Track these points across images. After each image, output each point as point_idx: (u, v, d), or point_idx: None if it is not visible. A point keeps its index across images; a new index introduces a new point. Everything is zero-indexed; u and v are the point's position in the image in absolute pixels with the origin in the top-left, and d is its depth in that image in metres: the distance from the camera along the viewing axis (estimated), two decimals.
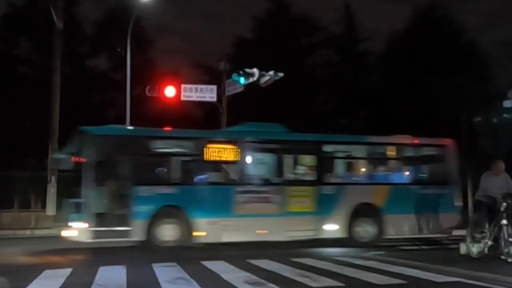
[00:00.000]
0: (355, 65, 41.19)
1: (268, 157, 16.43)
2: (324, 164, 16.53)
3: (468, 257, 11.51)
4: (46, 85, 24.89)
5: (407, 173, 17.51)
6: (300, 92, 38.46)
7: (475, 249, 11.54)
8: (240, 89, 23.49)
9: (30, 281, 8.87)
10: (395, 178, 17.22)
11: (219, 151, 15.58)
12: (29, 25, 35.09)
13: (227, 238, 14.93)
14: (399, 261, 11.33)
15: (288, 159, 16.55)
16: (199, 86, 25.03)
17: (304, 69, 41.52)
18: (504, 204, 11.16)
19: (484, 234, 11.46)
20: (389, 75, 39.74)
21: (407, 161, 17.71)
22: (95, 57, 39.71)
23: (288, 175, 16.26)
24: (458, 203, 17.32)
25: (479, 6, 60.80)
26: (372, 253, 13.01)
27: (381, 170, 17.50)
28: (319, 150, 16.42)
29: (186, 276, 9.45)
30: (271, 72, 20.97)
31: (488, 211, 11.53)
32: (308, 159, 16.72)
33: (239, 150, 15.61)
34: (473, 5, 68.24)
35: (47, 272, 9.89)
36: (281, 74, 21.18)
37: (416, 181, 17.08)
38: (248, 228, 14.98)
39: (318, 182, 16.06)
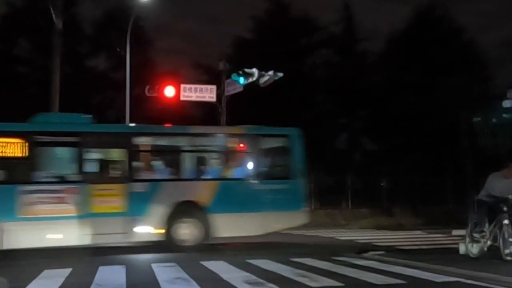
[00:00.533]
0: (354, 65, 41.19)
1: (65, 152, 14.76)
2: (135, 159, 14.86)
3: (467, 257, 11.52)
4: (46, 85, 24.88)
5: (240, 166, 15.64)
6: (299, 92, 38.47)
7: (474, 249, 11.54)
8: (239, 89, 23.48)
9: (29, 281, 8.87)
10: (225, 172, 15.47)
11: (1, 146, 13.87)
12: (28, 25, 35.11)
13: (11, 244, 13.04)
14: (398, 261, 11.33)
15: (91, 153, 14.56)
16: (199, 86, 25.02)
17: (303, 69, 41.53)
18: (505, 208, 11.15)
19: (483, 234, 11.45)
20: (388, 75, 39.80)
21: (241, 154, 16.02)
22: (94, 57, 39.78)
23: (91, 171, 14.24)
24: (304, 198, 15.81)
25: (478, 7, 60.95)
26: (371, 253, 13.00)
27: (207, 164, 15.69)
28: (129, 143, 14.68)
29: (186, 276, 9.45)
30: (271, 72, 20.98)
31: (489, 211, 11.52)
32: (116, 154, 15.07)
33: (27, 144, 13.82)
34: (472, 6, 68.35)
35: (46, 272, 9.89)
36: (280, 74, 21.19)
37: (252, 176, 15.29)
38: (36, 232, 13.15)
39: (128, 179, 14.27)
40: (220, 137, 16.02)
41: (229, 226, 14.58)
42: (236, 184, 15.19)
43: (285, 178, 15.55)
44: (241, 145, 16.06)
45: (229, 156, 15.97)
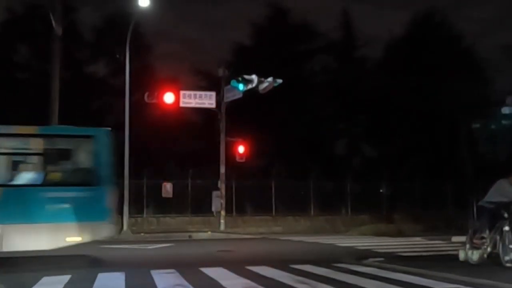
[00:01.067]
0: (354, 71, 41.23)
1: None
2: None
3: (467, 263, 11.49)
4: (45, 91, 24.89)
5: (29, 171, 13.66)
6: (299, 98, 38.50)
7: (474, 255, 11.52)
8: (239, 96, 23.52)
9: (29, 287, 8.85)
10: (9, 177, 13.36)
11: None
12: (28, 31, 35.15)
13: None
14: (397, 267, 11.30)
15: None
16: (198, 93, 25.08)
17: (302, 75, 41.55)
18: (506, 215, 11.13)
19: (484, 240, 11.44)
20: (387, 81, 39.79)
21: (30, 157, 14.02)
22: (94, 63, 39.77)
23: None
24: (110, 208, 13.46)
25: (477, 12, 61.04)
26: (371, 259, 12.98)
27: None
28: None
29: (185, 282, 9.43)
30: (270, 79, 21.01)
31: (490, 217, 11.51)
32: None
33: None
34: (471, 12, 68.49)
35: (45, 279, 9.88)
36: (279, 81, 21.23)
37: (42, 181, 13.23)
38: None
39: None
40: (4, 137, 14.08)
41: (12, 239, 12.41)
42: (19, 191, 13.12)
43: (86, 184, 13.42)
44: (31, 146, 14.27)
45: (15, 159, 13.90)
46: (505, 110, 12.83)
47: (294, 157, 36.96)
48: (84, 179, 13.53)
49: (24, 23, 35.38)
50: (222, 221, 25.40)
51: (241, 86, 21.15)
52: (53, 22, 23.43)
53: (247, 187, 29.32)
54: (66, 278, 9.99)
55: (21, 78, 37.26)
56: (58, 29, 23.63)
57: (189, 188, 28.07)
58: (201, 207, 28.08)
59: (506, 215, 11.16)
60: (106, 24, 38.33)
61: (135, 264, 12.76)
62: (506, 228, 11.07)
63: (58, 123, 23.30)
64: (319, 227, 28.26)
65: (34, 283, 9.31)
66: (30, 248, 12.71)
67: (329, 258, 13.43)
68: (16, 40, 36.29)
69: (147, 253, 15.98)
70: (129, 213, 23.61)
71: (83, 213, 12.91)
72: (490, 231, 11.44)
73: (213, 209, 26.48)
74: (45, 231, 12.69)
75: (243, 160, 26.38)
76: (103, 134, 14.25)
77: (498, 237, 11.15)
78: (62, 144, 14.36)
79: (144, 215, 27.06)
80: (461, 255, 11.92)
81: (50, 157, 13.86)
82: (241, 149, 26.10)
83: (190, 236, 22.87)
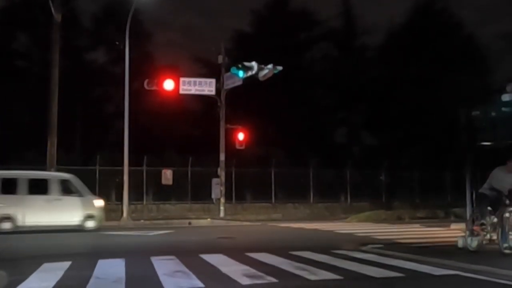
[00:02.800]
0: (354, 59, 41.20)
1: None
2: None
3: (465, 250, 11.53)
4: (45, 79, 24.87)
5: None
6: (298, 86, 38.48)
7: (473, 242, 11.55)
8: (238, 83, 23.49)
9: (29, 274, 8.87)
10: None
11: None
12: (27, 19, 35.05)
13: None
14: (397, 254, 11.34)
15: None
16: (198, 80, 25.05)
17: (303, 63, 41.56)
18: (507, 201, 11.16)
19: (483, 227, 11.48)
20: (388, 69, 39.78)
21: None
22: (93, 51, 39.78)
23: None
24: None
25: (478, 0, 60.73)
26: (370, 246, 13.01)
27: None
28: None
29: (185, 269, 9.46)
30: (270, 66, 20.95)
31: (490, 204, 11.54)
32: None
33: None
34: None
35: (46, 265, 9.89)
36: (279, 68, 21.16)
37: None
38: None
39: None
40: None
41: None
42: None
43: None
44: None
45: None
46: (505, 97, 12.77)
47: (294, 145, 37.00)
48: None
49: (23, 11, 35.28)
50: (221, 208, 25.46)
51: (241, 73, 21.08)
52: (53, 10, 23.35)
53: (247, 175, 29.39)
54: (66, 264, 10.01)
55: (20, 66, 37.25)
56: (57, 17, 23.56)
57: (189, 175, 28.12)
58: (201, 194, 28.15)
59: (507, 201, 11.18)
60: (105, 11, 38.29)
61: (135, 251, 12.80)
62: (507, 214, 11.10)
63: (57, 111, 23.30)
64: (319, 214, 28.34)
65: (35, 270, 9.33)
66: None
67: (328, 245, 13.47)
68: (15, 28, 36.21)
69: (147, 240, 16.02)
70: (129, 200, 23.65)
71: None
72: (490, 218, 11.48)
73: (213, 196, 26.52)
74: None
75: (243, 147, 26.39)
76: None
77: (498, 224, 11.18)
78: None
79: (144, 202, 27.13)
80: (460, 242, 11.96)
81: None
82: (241, 136, 26.10)
83: (190, 223, 22.93)
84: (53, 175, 19.83)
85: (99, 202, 19.53)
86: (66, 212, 18.60)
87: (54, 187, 18.83)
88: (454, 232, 15.39)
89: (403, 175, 31.46)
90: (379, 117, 40.10)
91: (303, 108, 38.73)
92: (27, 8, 35.26)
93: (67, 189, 19.09)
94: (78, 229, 18.39)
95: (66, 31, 27.47)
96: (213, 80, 24.69)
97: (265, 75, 21.08)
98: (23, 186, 18.37)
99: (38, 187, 18.64)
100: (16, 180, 18.49)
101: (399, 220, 24.09)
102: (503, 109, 12.90)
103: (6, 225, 17.76)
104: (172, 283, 8.15)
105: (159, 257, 10.93)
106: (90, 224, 18.78)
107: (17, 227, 17.80)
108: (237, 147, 26.33)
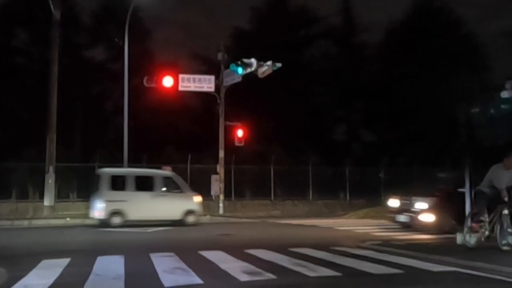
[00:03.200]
0: (353, 57, 41.20)
1: None
2: None
3: (464, 247, 11.56)
4: (44, 76, 24.86)
5: None
6: (298, 84, 38.49)
7: (472, 239, 11.58)
8: (238, 80, 23.47)
9: (28, 271, 8.89)
10: None
11: None
12: (26, 16, 35.00)
13: None
14: (395, 251, 11.38)
15: None
16: (197, 76, 25.02)
17: (302, 60, 41.56)
18: (506, 198, 11.18)
19: (482, 224, 11.50)
20: (387, 66, 39.79)
21: None
22: (93, 48, 39.76)
23: None
24: None
25: None
26: (369, 243, 13.04)
27: None
28: None
29: (184, 266, 9.48)
30: (269, 62, 20.94)
31: (489, 201, 11.56)
32: None
33: None
34: None
35: (45, 262, 9.91)
36: (279, 65, 21.15)
37: None
38: None
39: None
40: None
41: None
42: None
43: None
44: None
45: None
46: (505, 94, 12.79)
47: (293, 142, 37.02)
48: None
49: (22, 8, 35.23)
50: (221, 205, 25.44)
51: (240, 70, 21.06)
52: (52, 7, 23.32)
53: (246, 172, 29.40)
54: (65, 261, 10.02)
55: (20, 63, 37.22)
56: (56, 14, 23.53)
57: (188, 172, 28.08)
58: (200, 191, 28.03)
59: (506, 198, 11.21)
60: (104, 9, 38.27)
61: (134, 248, 12.81)
62: (505, 211, 11.13)
63: (57, 108, 23.29)
64: (318, 211, 28.33)
65: (34, 267, 9.34)
66: None
67: (327, 242, 13.50)
68: (14, 25, 36.17)
69: (146, 236, 16.03)
70: None
71: None
72: (488, 214, 11.50)
73: (212, 193, 26.48)
74: None
75: (242, 144, 26.37)
76: None
77: (496, 221, 11.21)
78: None
79: None
80: (459, 239, 11.99)
81: None
82: (240, 133, 26.08)
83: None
84: (158, 172, 20.81)
85: (198, 198, 20.62)
86: (169, 207, 19.68)
87: (158, 184, 19.99)
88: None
89: (402, 171, 31.41)
90: (378, 115, 40.12)
91: (303, 105, 38.75)
92: (27, 5, 35.20)
93: (170, 186, 20.25)
94: (179, 224, 19.40)
95: (66, 28, 27.48)
96: (212, 77, 24.66)
97: (264, 72, 21.06)
98: (131, 183, 19.52)
99: (144, 184, 19.81)
100: (125, 177, 19.69)
101: None
102: (502, 106, 12.92)
103: (116, 220, 18.75)
104: (171, 279, 8.17)
105: (158, 254, 10.95)
106: (191, 219, 19.94)
107: (126, 221, 18.75)
108: (237, 144, 26.30)
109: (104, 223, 18.59)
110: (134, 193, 19.38)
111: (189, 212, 19.94)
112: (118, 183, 19.44)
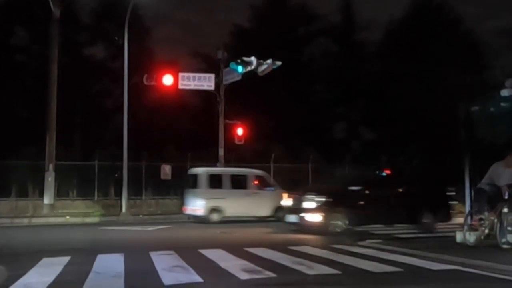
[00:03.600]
0: (353, 55, 41.14)
1: None
2: None
3: (464, 245, 11.57)
4: (44, 74, 24.83)
5: None
6: (298, 82, 38.45)
7: (471, 237, 11.59)
8: (238, 78, 23.45)
9: (28, 269, 8.90)
10: None
11: None
12: (26, 14, 34.94)
13: None
14: (395, 249, 11.39)
15: None
16: (197, 75, 24.99)
17: (302, 58, 41.50)
18: (507, 193, 11.19)
19: (482, 222, 11.51)
20: (387, 64, 39.72)
21: None
22: (92, 46, 39.62)
23: None
24: None
25: None
26: (369, 241, 13.06)
27: None
28: None
29: (184, 264, 9.49)
30: (269, 61, 20.93)
31: (489, 199, 11.57)
32: None
33: None
34: None
35: (45, 260, 9.92)
36: (278, 63, 21.15)
37: None
38: None
39: None
40: None
41: None
42: None
43: None
44: None
45: None
46: (505, 92, 12.81)
47: (293, 140, 36.99)
48: None
49: (22, 6, 35.15)
50: None
51: (240, 68, 21.04)
52: (51, 5, 23.31)
53: None
54: (65, 259, 10.03)
55: (19, 61, 37.12)
56: (56, 12, 23.51)
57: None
58: None
59: (506, 196, 11.21)
60: (104, 7, 38.13)
61: (134, 246, 12.83)
62: (505, 210, 11.13)
63: (56, 107, 23.28)
64: None
65: (34, 265, 9.36)
66: None
67: (327, 240, 13.52)
68: (14, 23, 36.08)
69: (146, 235, 16.05)
70: (128, 195, 23.64)
71: None
72: (488, 212, 11.51)
73: None
74: None
75: (242, 143, 26.38)
76: None
77: (496, 219, 11.21)
78: None
79: (143, 197, 27.09)
80: (458, 237, 12.00)
81: None
82: (240, 131, 26.09)
83: (189, 218, 22.93)
84: (251, 171, 22.27)
85: (287, 195, 21.21)
86: (261, 204, 21.25)
87: (252, 182, 21.65)
88: (452, 227, 15.40)
89: (402, 169, 31.39)
90: (378, 113, 40.06)
91: (302, 103, 38.70)
92: (26, 3, 35.08)
93: (262, 184, 21.90)
94: (270, 220, 20.82)
95: (65, 26, 27.40)
96: (212, 75, 24.64)
97: (264, 70, 21.05)
98: (227, 182, 21.15)
99: (239, 182, 21.38)
100: (221, 176, 21.30)
101: None
102: (502, 104, 12.94)
103: (215, 216, 20.33)
104: (171, 278, 8.18)
105: (158, 252, 10.96)
106: (281, 215, 20.33)
107: (223, 217, 20.33)
108: (236, 142, 26.31)
109: (203, 219, 20.13)
110: (230, 191, 20.92)
111: (279, 208, 20.69)
112: (215, 182, 20.92)
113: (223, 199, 20.54)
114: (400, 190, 17.44)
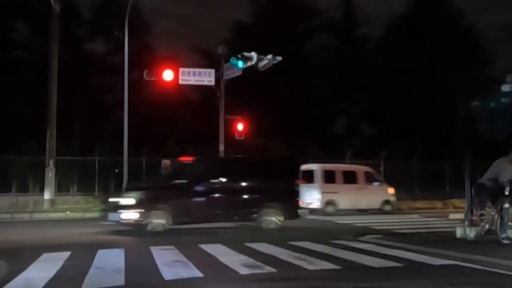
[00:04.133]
0: (353, 50, 41.10)
1: None
2: None
3: (464, 240, 11.57)
4: (44, 69, 24.82)
5: None
6: (298, 77, 38.42)
7: (471, 232, 11.59)
8: (238, 73, 23.40)
9: (28, 264, 8.91)
10: None
11: None
12: (26, 9, 34.91)
13: None
14: (395, 244, 11.39)
15: None
16: (197, 70, 24.93)
17: (302, 53, 41.47)
18: (508, 188, 11.19)
19: (483, 217, 11.51)
20: (387, 60, 39.70)
21: None
22: (92, 41, 39.61)
23: None
24: None
25: None
26: (369, 236, 13.06)
27: None
28: None
29: (184, 259, 9.49)
30: (269, 56, 20.90)
31: (490, 195, 11.56)
32: None
33: None
34: None
35: (45, 255, 9.93)
36: (279, 58, 21.12)
37: None
38: None
39: None
40: None
41: None
42: None
43: None
44: None
45: None
46: (505, 88, 12.78)
47: (293, 135, 36.99)
48: None
49: (22, 1, 35.12)
50: None
51: (240, 63, 21.02)
52: (51, 0, 23.26)
53: None
54: (66, 254, 10.04)
55: (19, 56, 37.12)
56: (56, 7, 23.48)
57: None
58: None
59: (507, 192, 11.20)
60: (104, 1, 38.13)
61: (135, 241, 12.83)
62: (506, 205, 11.13)
63: (57, 102, 23.26)
64: None
65: (35, 260, 9.36)
66: None
67: (327, 235, 13.53)
68: (13, 18, 36.04)
69: (145, 229, 16.03)
70: None
71: None
72: (489, 208, 11.51)
73: None
74: None
75: (242, 138, 26.35)
76: None
77: (497, 214, 11.21)
78: None
79: None
80: (458, 232, 12.01)
81: None
82: (240, 126, 26.06)
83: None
84: (360, 168, 24.20)
85: (392, 190, 23.82)
86: (370, 198, 23.06)
87: (361, 178, 23.46)
88: (452, 223, 15.43)
89: (402, 164, 31.42)
90: (379, 108, 40.09)
91: (303, 98, 38.69)
92: None
93: (369, 179, 23.59)
94: (378, 212, 22.61)
95: (65, 21, 27.36)
96: (213, 71, 24.59)
97: (264, 65, 21.03)
98: (339, 177, 23.03)
99: (349, 178, 23.15)
100: (334, 172, 23.11)
101: (398, 210, 24.14)
102: (503, 99, 12.91)
103: (330, 209, 22.24)
104: (171, 273, 8.19)
105: (158, 247, 10.97)
106: (387, 208, 23.33)
107: (337, 210, 22.18)
108: (237, 137, 26.28)
109: (319, 212, 22.05)
110: (343, 185, 22.75)
111: (386, 202, 23.30)
112: (329, 177, 22.77)
113: (337, 193, 22.39)
114: (236, 184, 15.80)
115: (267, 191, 15.64)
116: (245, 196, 15.72)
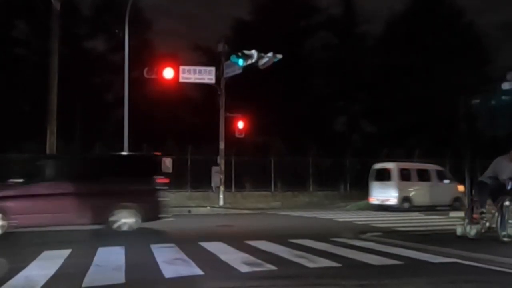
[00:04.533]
0: (354, 48, 41.08)
1: None
2: None
3: (464, 238, 11.57)
4: (44, 67, 24.78)
5: None
6: (298, 75, 38.41)
7: (472, 230, 11.59)
8: (238, 71, 23.43)
9: (29, 262, 8.91)
10: None
11: None
12: (26, 7, 34.88)
13: None
14: (395, 242, 11.38)
15: None
16: (198, 68, 24.96)
17: (302, 51, 41.46)
18: (510, 183, 11.18)
19: (483, 215, 11.50)
20: (388, 58, 39.68)
21: None
22: (93, 39, 39.60)
23: None
24: None
25: None
26: (369, 234, 13.06)
27: None
28: None
29: (184, 257, 9.50)
30: (270, 54, 20.92)
31: (491, 193, 11.56)
32: None
33: None
34: None
35: (46, 253, 9.93)
36: (279, 56, 21.13)
37: None
38: None
39: None
40: None
41: None
42: None
43: None
44: None
45: None
46: (506, 85, 12.79)
47: (293, 133, 36.99)
48: None
49: None
50: (221, 196, 25.46)
51: (240, 62, 21.04)
52: None
53: (246, 163, 29.38)
54: (66, 252, 10.05)
55: (19, 54, 37.11)
56: (56, 4, 23.42)
57: (189, 163, 28.10)
58: (201, 182, 28.15)
59: (509, 187, 11.19)
60: None
61: (135, 239, 12.82)
62: (507, 203, 11.12)
63: (57, 100, 23.23)
64: (318, 202, 28.37)
65: (35, 258, 9.37)
66: None
67: (327, 233, 13.51)
68: (14, 16, 36.03)
69: (146, 227, 16.04)
70: None
71: None
72: (490, 206, 11.50)
73: (213, 184, 26.56)
74: None
75: (242, 136, 26.38)
76: None
77: (497, 212, 11.20)
78: None
79: None
80: (459, 230, 12.00)
81: None
82: (240, 124, 26.09)
83: (189, 211, 22.97)
84: (432, 166, 25.32)
85: (462, 188, 22.90)
86: (442, 194, 24.13)
87: (433, 176, 24.62)
88: (453, 220, 15.42)
89: (403, 162, 31.44)
90: (379, 106, 40.07)
91: (303, 96, 38.69)
92: None
93: (441, 177, 24.61)
94: (447, 209, 22.52)
95: (65, 19, 27.32)
96: (213, 69, 24.62)
97: (265, 63, 21.05)
98: (414, 175, 24.40)
99: (422, 175, 24.48)
100: (409, 170, 24.54)
101: (398, 208, 24.13)
102: (503, 97, 12.91)
103: (406, 205, 23.54)
104: (172, 270, 8.19)
105: (158, 245, 10.97)
106: (457, 204, 23.56)
107: (412, 206, 23.36)
108: (237, 135, 26.32)
109: (395, 208, 23.12)
110: (417, 183, 24.12)
111: (457, 199, 23.93)
112: (405, 175, 24.14)
113: (411, 190, 23.88)
114: (85, 183, 13.89)
115: (122, 190, 14.15)
116: (96, 196, 13.80)
